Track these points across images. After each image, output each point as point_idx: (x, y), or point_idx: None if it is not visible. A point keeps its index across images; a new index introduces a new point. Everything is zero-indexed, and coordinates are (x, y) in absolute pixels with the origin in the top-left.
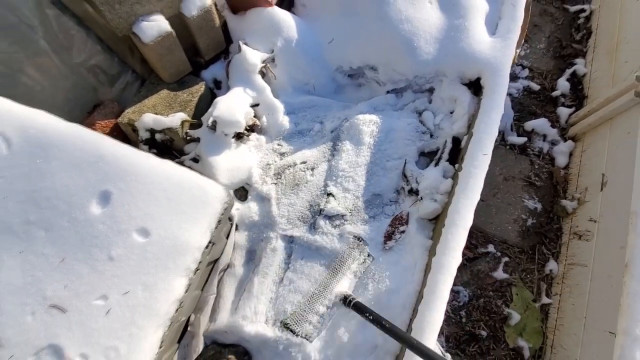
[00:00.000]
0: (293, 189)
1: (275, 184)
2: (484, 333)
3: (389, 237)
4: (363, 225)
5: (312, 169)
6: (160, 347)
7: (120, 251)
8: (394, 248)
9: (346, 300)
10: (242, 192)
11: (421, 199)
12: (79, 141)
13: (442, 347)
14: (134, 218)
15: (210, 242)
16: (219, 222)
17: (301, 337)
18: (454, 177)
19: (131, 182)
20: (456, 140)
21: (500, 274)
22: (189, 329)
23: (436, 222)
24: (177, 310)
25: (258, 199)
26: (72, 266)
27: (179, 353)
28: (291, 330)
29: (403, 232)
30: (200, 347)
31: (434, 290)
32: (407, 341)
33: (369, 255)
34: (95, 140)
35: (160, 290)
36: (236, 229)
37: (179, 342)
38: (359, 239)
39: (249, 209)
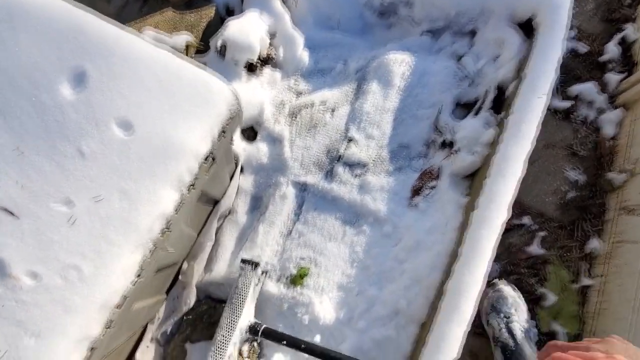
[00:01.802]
0: (309, 130)
1: (290, 124)
2: None
3: (416, 192)
4: (387, 177)
5: (333, 111)
6: (139, 276)
7: (94, 146)
8: (421, 205)
9: (254, 330)
10: (250, 132)
11: (457, 151)
12: (57, 10)
13: None
14: (115, 107)
15: (210, 154)
16: (224, 131)
17: None
18: (499, 127)
19: (116, 63)
20: (500, 90)
21: (535, 249)
22: (180, 278)
23: (472, 179)
24: (162, 232)
25: (268, 140)
26: (32, 160)
27: (167, 305)
28: None
29: (433, 187)
30: (192, 299)
31: (475, 247)
32: (328, 355)
33: (263, 273)
34: (77, 13)
35: (143, 201)
36: (241, 171)
37: (167, 292)
38: (248, 261)
39: (257, 150)
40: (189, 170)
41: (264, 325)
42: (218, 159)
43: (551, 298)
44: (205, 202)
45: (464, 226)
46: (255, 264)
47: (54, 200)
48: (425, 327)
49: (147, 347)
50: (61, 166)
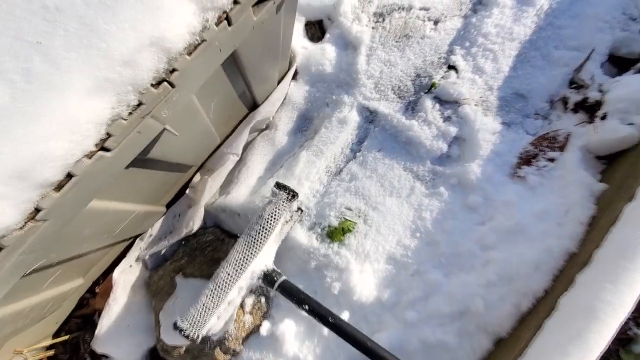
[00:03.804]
0: (399, 41)
1: (374, 28)
2: None
3: (526, 161)
4: (489, 130)
5: (436, 22)
6: (103, 148)
7: None
8: (531, 178)
9: (270, 280)
10: (316, 29)
11: (603, 117)
12: None
13: None
14: None
15: None
16: None
17: (201, 338)
18: None
19: None
20: None
21: None
22: (187, 192)
23: (609, 162)
24: (157, 80)
25: (340, 43)
26: None
27: (165, 222)
28: (185, 336)
29: (552, 160)
30: (196, 223)
31: (632, 253)
32: (359, 342)
33: (298, 209)
34: None
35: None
36: (294, 76)
37: (168, 206)
38: (285, 188)
39: (321, 53)
40: None
41: (284, 277)
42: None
43: None
44: (239, 92)
45: (598, 221)
46: (293, 194)
47: None
48: (503, 345)
49: (130, 266)
50: None
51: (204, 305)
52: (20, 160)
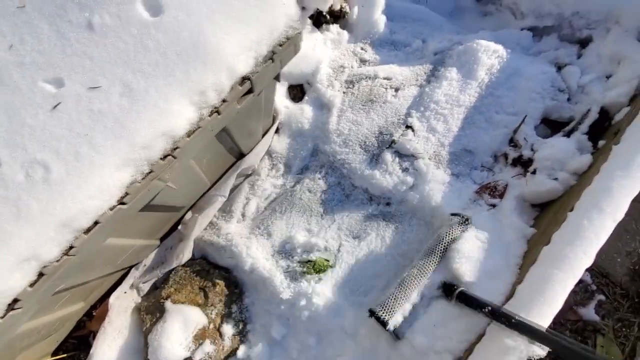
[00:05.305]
0: (365, 104)
1: (344, 93)
2: None
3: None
4: (441, 180)
5: (397, 90)
6: (122, 203)
7: (108, 20)
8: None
9: (448, 289)
10: (297, 91)
11: (533, 172)
12: None
13: None
14: None
15: (249, 78)
16: (273, 54)
17: (390, 330)
18: (597, 155)
19: None
20: (603, 114)
21: (588, 313)
22: (179, 228)
23: (542, 209)
24: (165, 155)
25: (316, 104)
26: (32, 18)
27: (158, 254)
28: (380, 321)
29: (493, 206)
30: (186, 255)
31: (543, 289)
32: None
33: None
34: None
35: (149, 105)
36: (277, 130)
37: (162, 240)
38: (461, 216)
39: (300, 112)
40: (217, 87)
41: (461, 288)
42: (255, 92)
43: None
44: (228, 148)
45: (527, 260)
46: (466, 219)
47: (42, 74)
48: None
49: (125, 293)
50: (62, 35)
51: (394, 296)
52: (68, 214)
